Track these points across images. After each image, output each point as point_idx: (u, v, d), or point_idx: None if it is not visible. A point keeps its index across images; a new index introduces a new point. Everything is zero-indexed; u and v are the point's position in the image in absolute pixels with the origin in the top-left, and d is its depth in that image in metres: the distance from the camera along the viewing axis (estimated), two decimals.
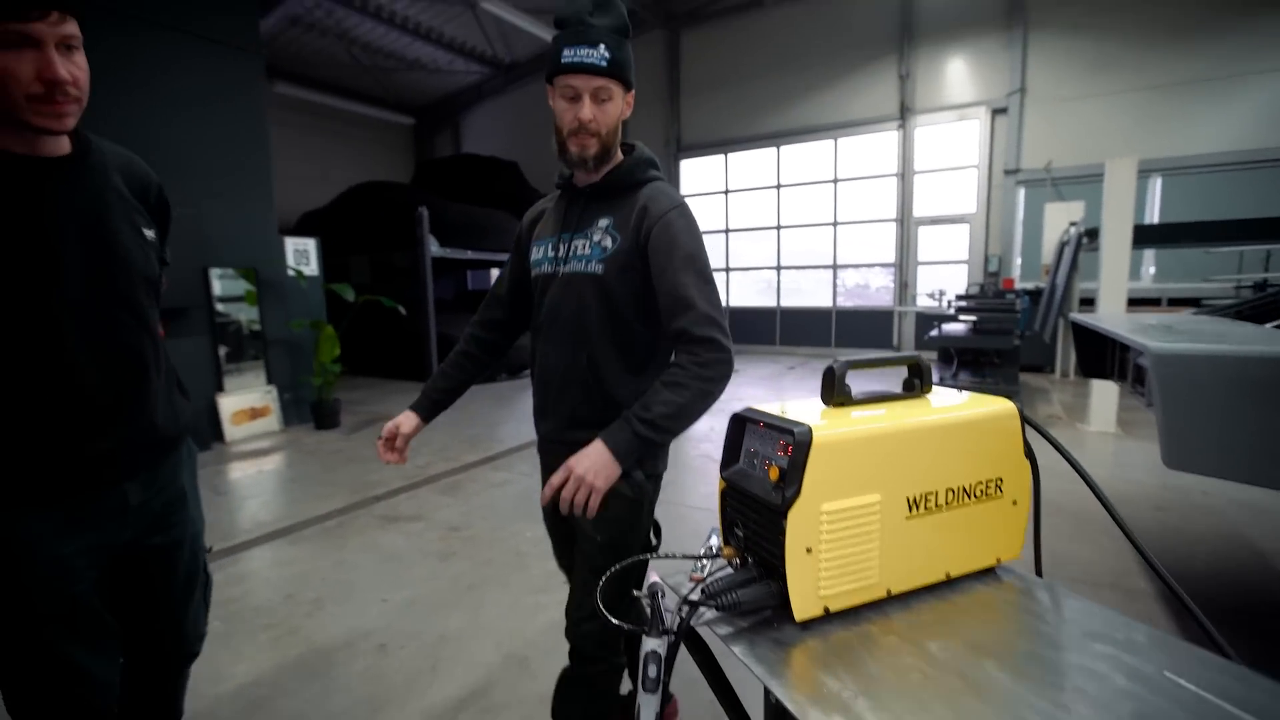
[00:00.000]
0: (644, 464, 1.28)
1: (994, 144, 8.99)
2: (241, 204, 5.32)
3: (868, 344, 10.07)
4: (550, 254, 1.32)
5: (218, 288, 5.18)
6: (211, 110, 5.08)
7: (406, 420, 1.41)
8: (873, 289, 10.40)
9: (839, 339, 10.40)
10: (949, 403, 0.92)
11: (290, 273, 5.86)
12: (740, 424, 0.89)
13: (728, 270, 11.53)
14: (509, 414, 6.20)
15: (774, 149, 10.71)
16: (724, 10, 10.74)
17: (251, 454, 4.86)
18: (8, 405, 1.00)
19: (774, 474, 0.77)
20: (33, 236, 0.98)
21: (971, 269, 9.32)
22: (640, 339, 1.28)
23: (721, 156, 11.26)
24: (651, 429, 1.12)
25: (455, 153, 13.95)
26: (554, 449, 1.32)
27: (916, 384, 0.97)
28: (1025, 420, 0.90)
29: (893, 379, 6.85)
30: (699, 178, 11.64)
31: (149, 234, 1.18)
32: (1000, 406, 0.88)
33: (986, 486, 0.86)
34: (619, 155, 1.31)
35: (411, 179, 12.65)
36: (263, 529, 3.33)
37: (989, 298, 7.37)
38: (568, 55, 1.16)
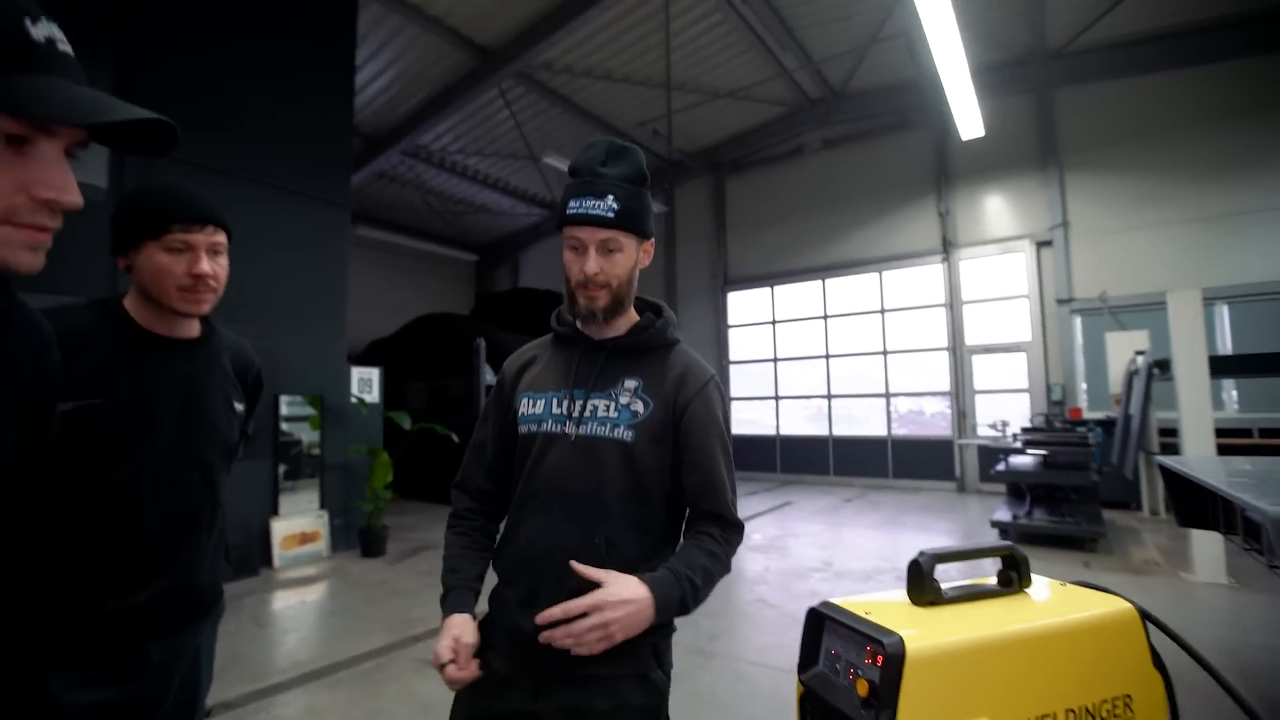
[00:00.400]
0: (662, 658, 1.12)
1: (1042, 274, 9.00)
2: (317, 337, 5.71)
3: (927, 475, 9.59)
4: (556, 410, 1.15)
5: (284, 409, 5.44)
6: (301, 255, 5.63)
7: (464, 629, 1.08)
8: (928, 414, 10.09)
9: (897, 470, 9.96)
10: (1055, 601, 0.82)
11: (353, 400, 6.12)
12: (818, 621, 0.80)
13: (777, 398, 11.46)
14: None
15: (819, 281, 11.01)
16: (765, 159, 11.59)
17: (296, 582, 4.81)
18: (63, 550, 1.04)
19: (862, 688, 0.69)
20: (143, 398, 1.12)
21: (1033, 397, 8.98)
22: (658, 519, 1.13)
23: (768, 289, 11.61)
24: (692, 595, 1.02)
25: (513, 286, 14.87)
26: (544, 650, 1.01)
27: (1013, 578, 0.87)
28: (1148, 620, 0.79)
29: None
30: (746, 309, 11.96)
31: (238, 407, 1.33)
32: (1117, 607, 0.78)
33: (1114, 706, 0.74)
34: (633, 310, 1.21)
35: (471, 311, 13.45)
36: (299, 669, 3.22)
37: (1057, 429, 7.01)
38: (573, 207, 1.11)
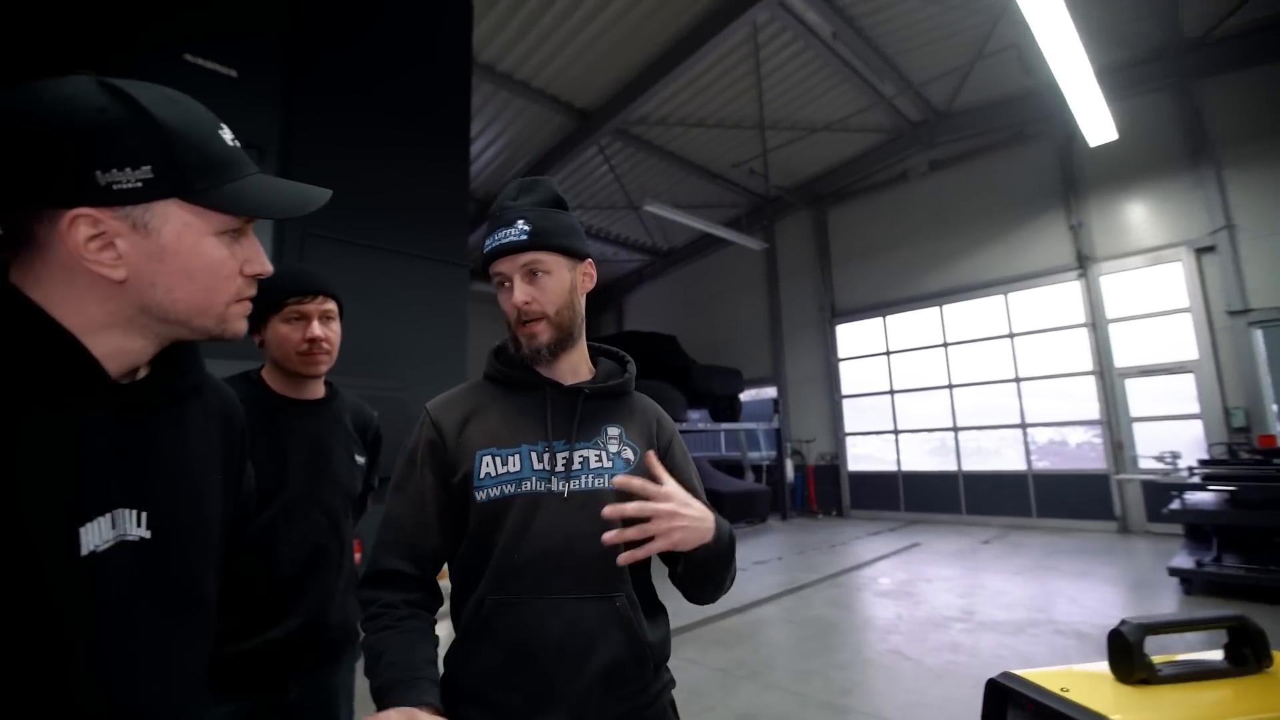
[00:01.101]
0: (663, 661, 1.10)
1: (1206, 284, 7.94)
2: (441, 384, 6.12)
3: (1077, 514, 8.55)
4: (536, 466, 1.00)
5: None
6: (424, 312, 6.13)
7: None
8: (1072, 445, 9.06)
9: (1041, 508, 8.98)
10: None
11: None
12: (1000, 695, 0.73)
13: (896, 432, 10.80)
14: (671, 589, 5.93)
15: (936, 308, 10.39)
16: (868, 188, 11.27)
17: None
18: (220, 591, 1.16)
19: None
20: (278, 452, 1.30)
21: (1208, 424, 7.82)
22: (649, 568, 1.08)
23: (879, 319, 11.12)
24: (731, 553, 1.02)
25: (618, 330, 15.26)
26: None
27: (1247, 654, 0.74)
28: None
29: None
30: (856, 341, 11.49)
31: (359, 460, 1.48)
32: None
33: None
34: (584, 345, 1.12)
35: None
36: None
37: (1244, 460, 6.05)
38: (488, 244, 1.05)
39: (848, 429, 11.47)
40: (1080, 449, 8.98)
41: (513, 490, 0.99)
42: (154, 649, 0.62)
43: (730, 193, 11.78)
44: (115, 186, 0.56)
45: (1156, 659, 0.69)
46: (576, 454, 1.03)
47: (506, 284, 1.04)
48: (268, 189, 0.66)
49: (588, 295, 1.16)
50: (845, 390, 11.57)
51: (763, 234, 12.39)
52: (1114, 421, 8.48)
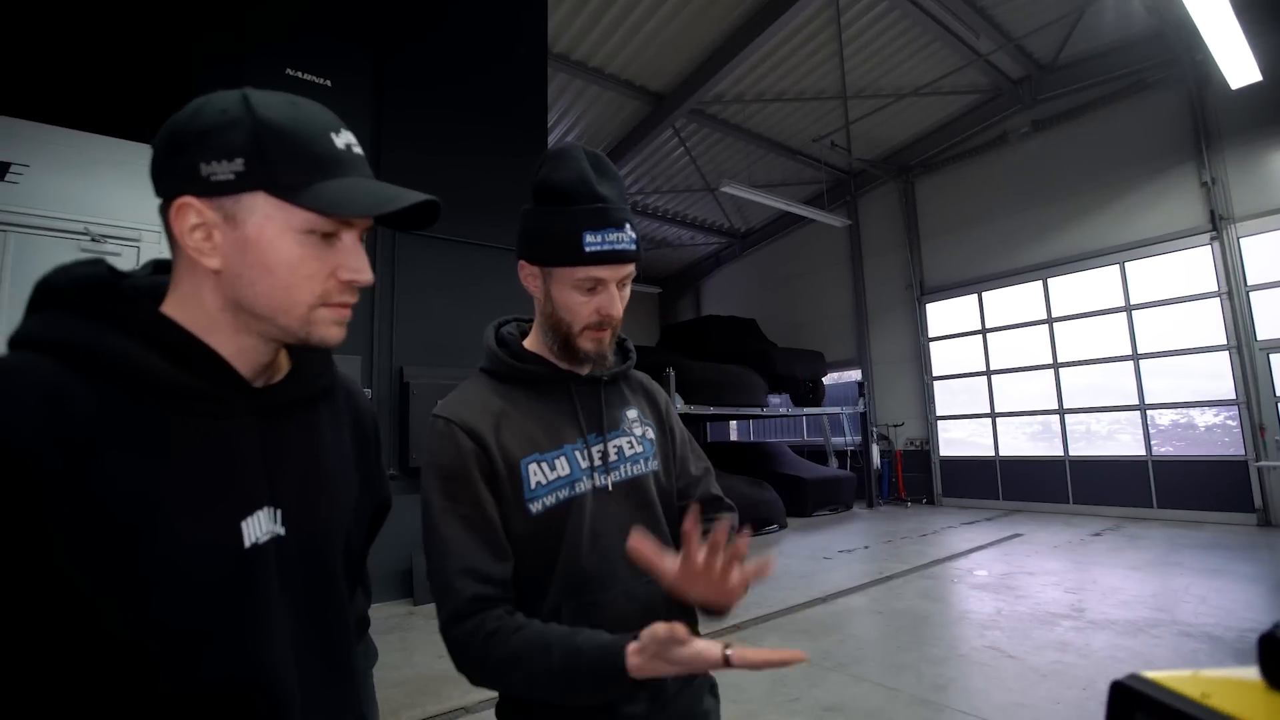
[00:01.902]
0: None
1: None
2: None
3: (1208, 505, 7.72)
4: (582, 466, 0.99)
5: None
6: (506, 303, 6.31)
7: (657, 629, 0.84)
8: (1200, 429, 8.17)
9: (1163, 498, 8.18)
10: None
11: None
12: (1129, 700, 0.65)
13: (994, 415, 10.14)
14: None
15: (1039, 282, 9.61)
16: (960, 155, 10.52)
17: None
18: None
19: None
20: None
21: None
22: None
23: (974, 296, 10.43)
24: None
25: (696, 314, 15.16)
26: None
27: None
28: None
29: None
30: (948, 319, 10.84)
31: None
32: None
33: None
34: None
35: (657, 341, 13.95)
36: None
37: None
38: (593, 242, 0.93)
39: (939, 412, 10.88)
40: (1211, 433, 8.09)
41: (567, 494, 0.97)
42: (299, 638, 0.67)
43: (810, 169, 11.37)
44: (213, 178, 0.59)
45: None
46: (611, 444, 1.03)
47: (597, 288, 0.96)
48: (351, 188, 0.64)
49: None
50: (936, 371, 10.97)
51: (845, 210, 11.90)
52: (1255, 401, 7.57)
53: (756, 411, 9.62)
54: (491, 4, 6.61)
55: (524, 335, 1.10)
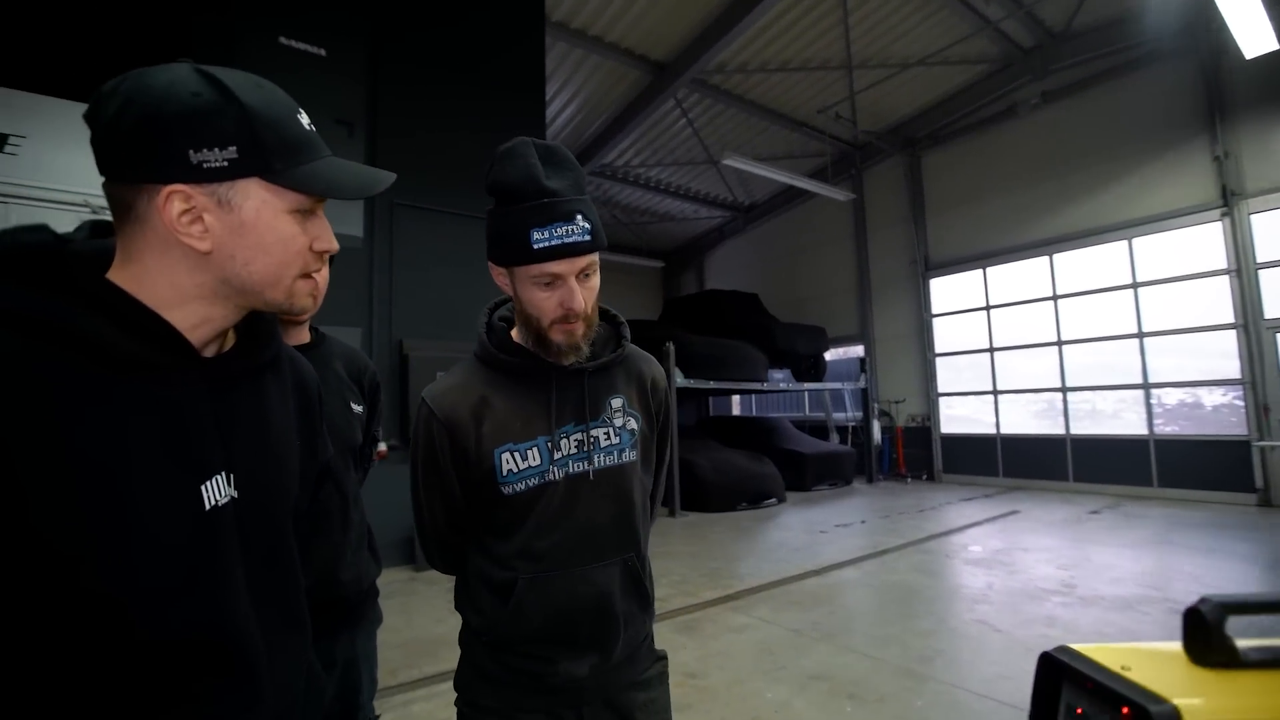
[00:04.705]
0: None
1: None
2: None
3: (1209, 484, 7.71)
4: (557, 456, 1.04)
5: None
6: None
7: None
8: (1207, 408, 8.13)
9: (1163, 476, 8.18)
10: None
11: None
12: (1055, 669, 0.66)
13: (996, 393, 10.12)
14: (749, 548, 5.96)
15: (1045, 258, 9.49)
16: (968, 127, 10.32)
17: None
18: None
19: None
20: None
21: None
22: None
23: (979, 271, 10.32)
24: None
25: (699, 288, 15.09)
26: (607, 695, 1.08)
27: None
28: None
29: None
30: (952, 295, 10.75)
31: (356, 409, 1.42)
32: None
33: None
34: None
35: (660, 315, 13.92)
36: None
37: None
38: (540, 239, 0.94)
39: (941, 389, 10.86)
40: (1218, 412, 8.04)
41: (536, 482, 1.04)
42: (257, 592, 0.70)
43: (814, 141, 11.18)
44: (205, 165, 0.60)
45: (1248, 644, 0.60)
46: (591, 434, 1.07)
47: (555, 283, 0.98)
48: (339, 170, 0.69)
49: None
50: (939, 348, 10.92)
51: (850, 184, 11.74)
52: (1260, 381, 7.51)
53: (758, 386, 9.63)
54: None
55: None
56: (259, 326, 0.76)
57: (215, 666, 0.65)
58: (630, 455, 1.10)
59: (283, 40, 5.24)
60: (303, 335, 1.39)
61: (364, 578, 1.38)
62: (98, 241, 0.67)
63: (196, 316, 0.65)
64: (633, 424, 1.11)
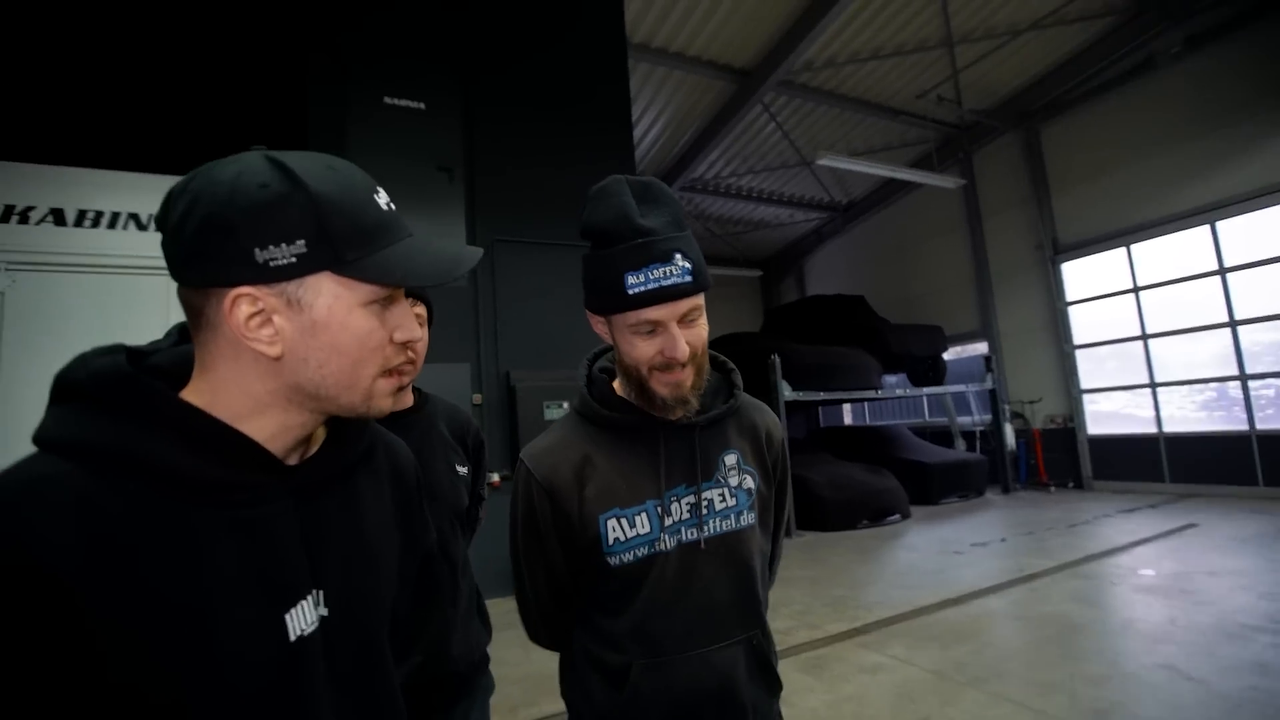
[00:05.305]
0: None
1: None
2: None
3: None
4: (669, 522, 0.94)
5: None
6: None
7: None
8: None
9: None
10: None
11: None
12: None
13: (1153, 385, 8.89)
14: (875, 571, 5.56)
15: (1204, 227, 8.26)
16: (1095, 89, 9.23)
17: None
18: None
19: None
20: None
21: None
22: None
23: (1120, 250, 9.16)
24: None
25: (800, 296, 14.57)
26: None
27: None
28: None
29: None
30: (1090, 279, 9.62)
31: (461, 470, 1.37)
32: None
33: None
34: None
35: (761, 327, 13.56)
36: None
37: None
38: (635, 283, 0.86)
39: (1084, 384, 9.72)
40: None
41: (646, 552, 0.95)
42: (346, 713, 0.65)
43: (915, 128, 10.48)
44: (272, 263, 0.56)
45: None
46: (703, 496, 0.97)
47: (655, 330, 0.90)
48: (418, 254, 0.63)
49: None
50: (1078, 339, 9.79)
51: (958, 169, 10.89)
52: None
53: (871, 394, 9.09)
54: (567, 3, 6.62)
55: None
56: (349, 420, 0.70)
57: None
58: (748, 519, 1.00)
59: (387, 100, 5.62)
60: (406, 399, 1.37)
61: (475, 649, 1.35)
62: (182, 349, 0.65)
63: (275, 425, 0.61)
64: (749, 482, 1.01)
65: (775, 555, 1.13)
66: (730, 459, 1.00)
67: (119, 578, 0.51)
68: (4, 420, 3.75)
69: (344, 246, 0.58)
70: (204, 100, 5.98)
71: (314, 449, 0.68)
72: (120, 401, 0.56)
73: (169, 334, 0.68)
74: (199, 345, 0.61)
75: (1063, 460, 9.73)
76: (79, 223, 4.32)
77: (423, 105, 5.80)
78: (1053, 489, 9.56)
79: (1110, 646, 3.54)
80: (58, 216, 4.28)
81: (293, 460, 0.65)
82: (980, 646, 3.68)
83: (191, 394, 0.60)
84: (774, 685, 1.02)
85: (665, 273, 0.87)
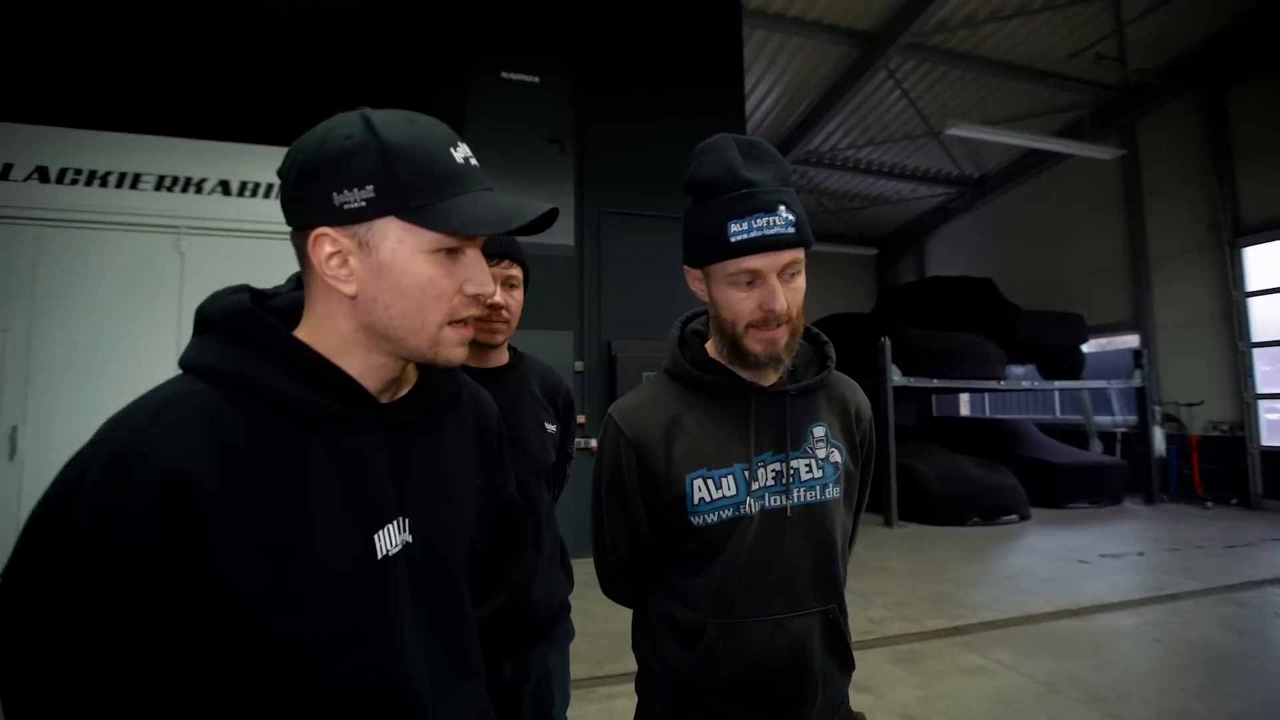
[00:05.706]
0: None
1: None
2: None
3: None
4: (755, 487, 0.95)
5: None
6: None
7: None
8: None
9: None
10: None
11: None
12: None
13: None
14: (982, 572, 5.20)
15: None
16: None
17: None
18: None
19: None
20: None
21: None
22: None
23: None
24: None
25: (919, 276, 13.65)
26: None
27: None
28: None
29: None
30: (1275, 267, 8.22)
31: (550, 428, 1.40)
32: None
33: None
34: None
35: (873, 307, 12.87)
36: None
37: None
38: (738, 231, 0.87)
39: (1260, 389, 8.39)
40: None
41: (731, 514, 0.95)
42: (426, 639, 0.70)
43: (1065, 93, 9.38)
44: (346, 206, 0.61)
45: None
46: (791, 465, 0.97)
47: (754, 281, 0.90)
48: (480, 205, 0.65)
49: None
50: (1257, 335, 8.45)
51: (1116, 139, 9.63)
52: None
53: (992, 385, 8.41)
54: None
55: None
56: (436, 369, 0.75)
57: (382, 718, 0.65)
58: (833, 492, 0.99)
59: (504, 74, 5.82)
60: (501, 357, 1.42)
61: (556, 596, 1.40)
62: (298, 294, 0.71)
63: (362, 365, 0.66)
64: (836, 456, 1.00)
65: (855, 534, 1.12)
66: (819, 431, 1.00)
67: (236, 483, 0.57)
68: None
69: (410, 193, 0.61)
70: (343, 78, 6.52)
71: (404, 391, 0.73)
72: (243, 332, 0.63)
73: (289, 280, 0.75)
74: (306, 288, 0.68)
75: (1225, 473, 8.50)
76: (241, 192, 4.89)
77: (537, 79, 5.95)
78: (1210, 504, 8.38)
79: (1266, 684, 3.09)
80: (224, 187, 4.86)
81: (385, 399, 0.70)
82: (1102, 664, 3.35)
83: (301, 331, 0.67)
84: (846, 662, 1.01)
85: (768, 222, 0.87)
